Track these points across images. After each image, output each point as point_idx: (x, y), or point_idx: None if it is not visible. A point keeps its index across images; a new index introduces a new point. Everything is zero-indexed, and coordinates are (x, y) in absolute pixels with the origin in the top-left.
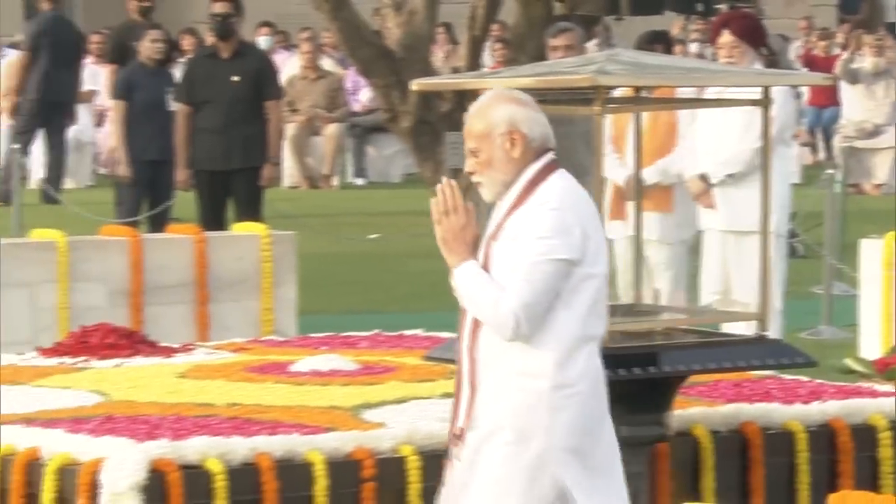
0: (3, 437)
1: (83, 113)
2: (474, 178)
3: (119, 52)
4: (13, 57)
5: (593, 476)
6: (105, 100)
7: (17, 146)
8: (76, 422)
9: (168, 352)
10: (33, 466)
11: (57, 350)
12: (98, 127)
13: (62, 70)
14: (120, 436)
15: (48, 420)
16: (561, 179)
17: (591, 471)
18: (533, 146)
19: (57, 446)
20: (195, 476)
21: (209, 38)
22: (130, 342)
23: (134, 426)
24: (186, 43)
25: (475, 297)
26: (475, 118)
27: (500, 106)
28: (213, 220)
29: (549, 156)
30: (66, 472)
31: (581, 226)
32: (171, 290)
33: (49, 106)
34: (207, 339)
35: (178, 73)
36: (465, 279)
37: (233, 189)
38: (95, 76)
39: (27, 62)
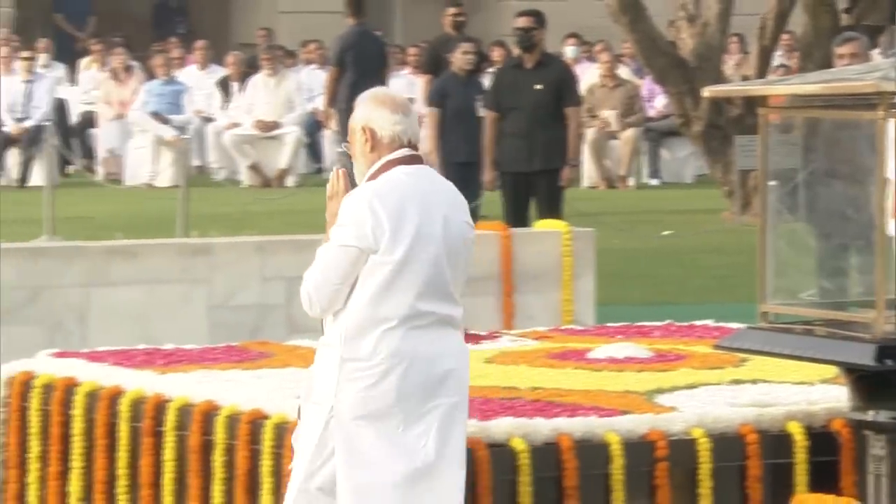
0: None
1: None
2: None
3: (434, 63)
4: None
5: (387, 448)
6: (420, 107)
7: (342, 149)
8: None
9: (476, 339)
10: None
11: None
12: None
13: (368, 80)
14: None
15: None
16: (394, 173)
17: (383, 444)
18: (383, 143)
19: None
20: (501, 454)
21: (515, 50)
22: None
23: None
24: (496, 54)
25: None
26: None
27: (362, 105)
28: (518, 217)
29: (403, 152)
30: None
31: (376, 217)
32: (480, 282)
33: None
34: (512, 327)
35: (486, 82)
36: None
37: (535, 189)
38: (412, 86)
39: (335, 76)
